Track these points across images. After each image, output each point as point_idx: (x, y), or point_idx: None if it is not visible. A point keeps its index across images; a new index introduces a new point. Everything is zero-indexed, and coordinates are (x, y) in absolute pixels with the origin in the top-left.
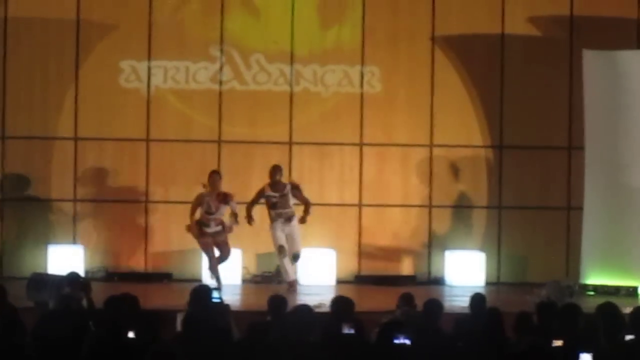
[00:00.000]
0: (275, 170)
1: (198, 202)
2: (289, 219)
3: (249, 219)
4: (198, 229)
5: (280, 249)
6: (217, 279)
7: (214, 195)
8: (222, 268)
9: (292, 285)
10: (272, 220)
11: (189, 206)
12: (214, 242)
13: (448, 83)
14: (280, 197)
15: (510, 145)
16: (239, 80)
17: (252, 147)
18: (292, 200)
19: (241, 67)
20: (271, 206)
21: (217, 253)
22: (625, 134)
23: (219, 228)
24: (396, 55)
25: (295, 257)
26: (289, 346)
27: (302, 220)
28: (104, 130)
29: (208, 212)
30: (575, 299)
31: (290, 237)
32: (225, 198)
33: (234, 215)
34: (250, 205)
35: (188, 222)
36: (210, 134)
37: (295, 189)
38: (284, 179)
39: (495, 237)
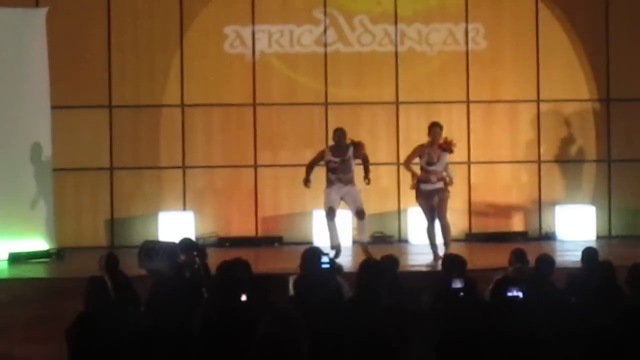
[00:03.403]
0: (336, 133)
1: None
2: (347, 183)
3: (306, 181)
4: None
5: (329, 211)
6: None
7: (435, 146)
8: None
9: (338, 249)
10: (330, 183)
11: (298, 169)
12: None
13: (553, 37)
14: (341, 163)
15: (618, 98)
16: (344, 42)
17: (359, 108)
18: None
19: (345, 28)
20: (331, 171)
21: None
22: None
23: (441, 185)
24: (500, 11)
25: (359, 214)
26: (401, 308)
27: (367, 182)
28: (210, 97)
29: (429, 163)
30: None
31: (349, 197)
32: (447, 146)
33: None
34: (309, 167)
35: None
36: (317, 96)
37: (358, 148)
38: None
39: (605, 191)
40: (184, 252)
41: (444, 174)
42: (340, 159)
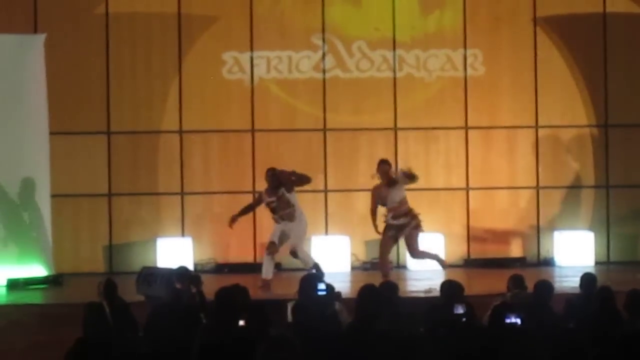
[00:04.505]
0: (267, 174)
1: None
2: (290, 219)
3: (232, 220)
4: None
5: (270, 245)
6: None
7: (383, 184)
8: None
9: (265, 284)
10: (275, 221)
11: (297, 195)
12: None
13: (551, 63)
14: (277, 201)
15: (616, 124)
16: (342, 68)
17: (357, 134)
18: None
19: (344, 54)
20: (272, 211)
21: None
22: None
23: (403, 220)
24: (498, 37)
25: (292, 254)
26: (399, 334)
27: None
28: (208, 123)
29: (382, 205)
30: None
31: (291, 233)
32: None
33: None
34: (244, 209)
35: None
36: (315, 122)
37: (282, 179)
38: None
39: (603, 217)
40: (179, 281)
41: (405, 207)
42: (276, 198)
